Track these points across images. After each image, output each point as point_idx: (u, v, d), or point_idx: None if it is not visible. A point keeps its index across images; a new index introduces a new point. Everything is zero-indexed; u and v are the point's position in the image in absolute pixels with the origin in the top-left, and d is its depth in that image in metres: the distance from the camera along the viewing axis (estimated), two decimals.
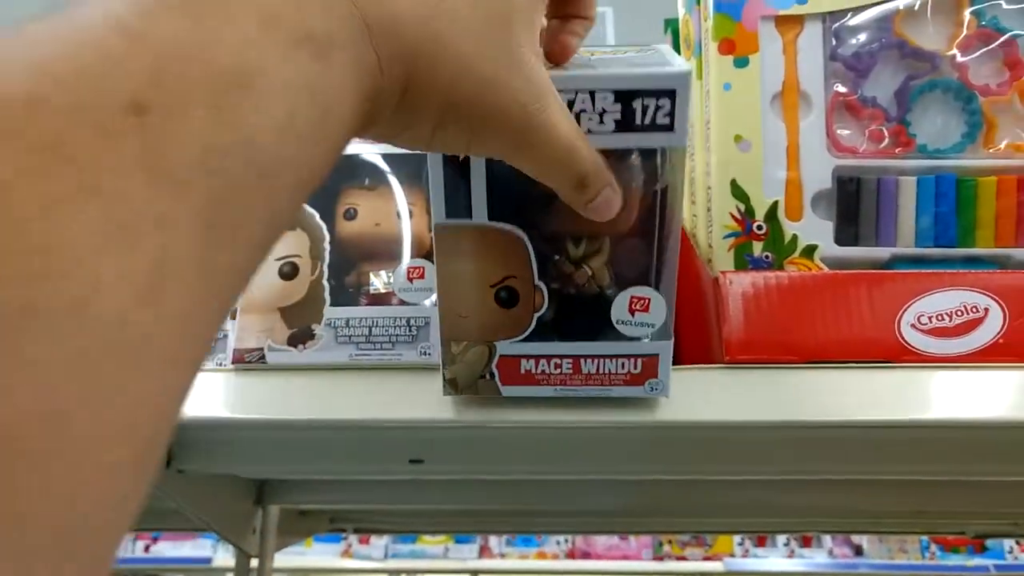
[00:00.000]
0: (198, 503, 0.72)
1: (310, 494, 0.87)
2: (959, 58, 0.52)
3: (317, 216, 0.51)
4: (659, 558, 2.48)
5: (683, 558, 2.47)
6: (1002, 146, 0.51)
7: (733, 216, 0.50)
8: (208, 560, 2.51)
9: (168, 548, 2.58)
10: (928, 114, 0.52)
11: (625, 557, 2.50)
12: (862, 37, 0.52)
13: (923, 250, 0.50)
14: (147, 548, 2.59)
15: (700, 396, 0.47)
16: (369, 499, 0.88)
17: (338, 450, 0.62)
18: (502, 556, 2.55)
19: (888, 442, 0.55)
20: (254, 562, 0.87)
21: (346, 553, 2.53)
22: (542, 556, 2.55)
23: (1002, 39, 0.51)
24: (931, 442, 0.53)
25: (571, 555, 2.53)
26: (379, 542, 2.55)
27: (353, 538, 2.53)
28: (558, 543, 2.55)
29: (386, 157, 0.53)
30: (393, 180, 0.53)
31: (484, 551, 2.55)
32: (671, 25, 0.66)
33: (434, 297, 0.48)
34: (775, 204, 0.50)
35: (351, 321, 0.48)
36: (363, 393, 0.47)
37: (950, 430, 0.47)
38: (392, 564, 2.52)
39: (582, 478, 0.83)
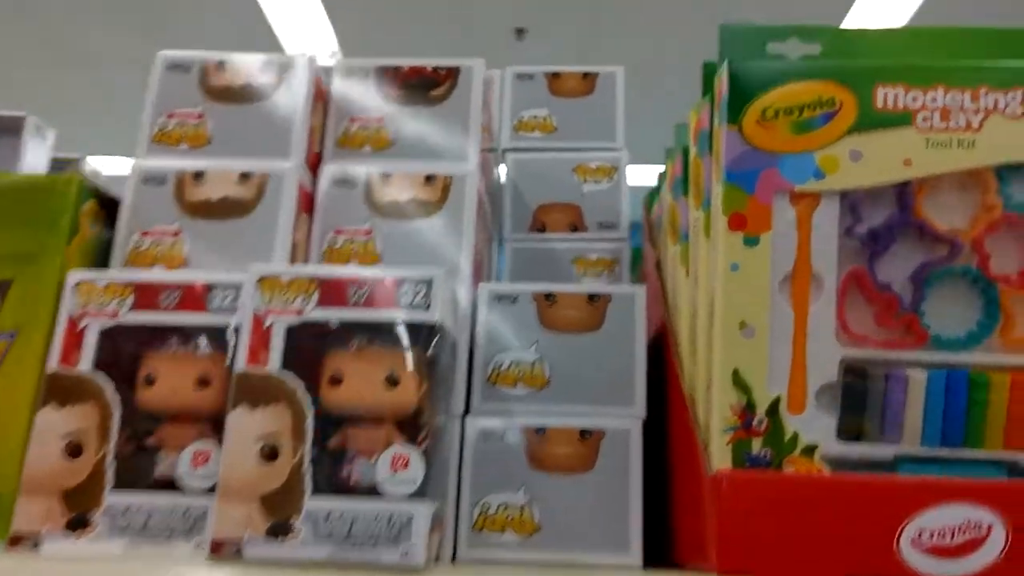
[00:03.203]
0: None
1: None
2: (981, 244, 0.49)
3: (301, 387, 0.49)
4: None
5: None
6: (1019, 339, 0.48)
7: (733, 409, 0.48)
8: None
9: None
10: (943, 301, 0.49)
11: None
12: (881, 214, 0.50)
13: (928, 450, 0.48)
14: None
15: None
16: None
17: None
18: None
19: None
20: None
21: None
22: None
23: None
24: None
25: None
26: None
27: None
28: None
29: None
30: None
31: None
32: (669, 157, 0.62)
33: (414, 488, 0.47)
34: (778, 399, 0.48)
35: (332, 514, 0.46)
36: None
37: None
38: None
39: None
